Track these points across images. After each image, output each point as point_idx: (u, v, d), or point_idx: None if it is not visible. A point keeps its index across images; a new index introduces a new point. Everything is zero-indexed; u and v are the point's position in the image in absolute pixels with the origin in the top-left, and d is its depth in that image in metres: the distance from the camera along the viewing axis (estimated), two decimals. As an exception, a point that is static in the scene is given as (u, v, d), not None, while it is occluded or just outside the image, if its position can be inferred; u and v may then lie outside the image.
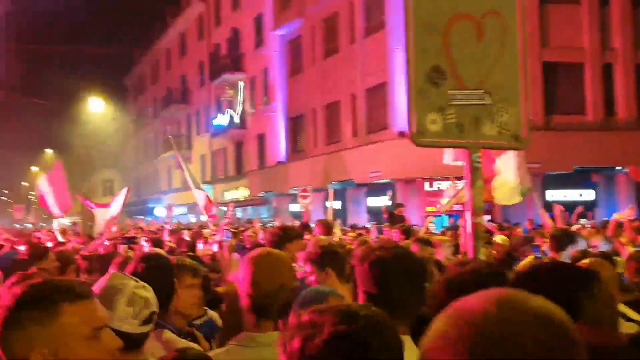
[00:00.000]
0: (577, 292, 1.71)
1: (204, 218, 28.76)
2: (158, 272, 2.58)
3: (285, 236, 4.14)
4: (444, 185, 18.82)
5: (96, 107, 44.33)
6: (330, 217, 10.80)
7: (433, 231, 12.09)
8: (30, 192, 76.55)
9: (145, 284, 2.17)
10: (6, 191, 75.82)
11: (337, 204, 21.94)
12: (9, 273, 3.68)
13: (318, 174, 22.39)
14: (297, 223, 17.92)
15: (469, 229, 2.76)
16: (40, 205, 15.28)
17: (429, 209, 18.70)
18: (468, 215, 2.75)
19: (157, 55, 47.02)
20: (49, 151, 58.84)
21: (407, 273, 2.09)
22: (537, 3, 18.18)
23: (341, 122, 22.98)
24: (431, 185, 18.54)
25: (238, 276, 2.38)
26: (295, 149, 26.77)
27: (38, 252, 4.85)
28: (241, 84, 31.42)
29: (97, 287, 1.99)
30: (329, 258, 2.99)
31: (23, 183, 74.04)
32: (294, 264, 2.74)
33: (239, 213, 32.28)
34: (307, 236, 8.94)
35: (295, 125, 26.89)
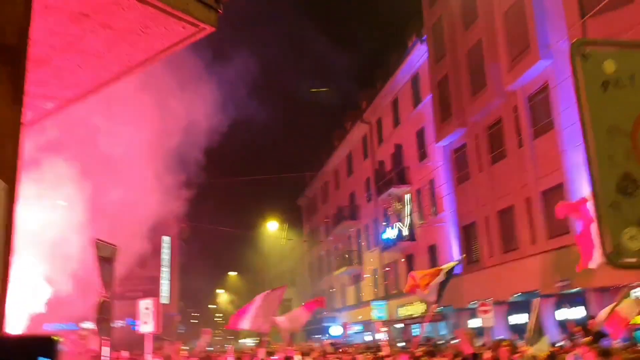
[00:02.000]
0: None
1: (380, 336, 28.11)
2: None
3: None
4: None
5: (273, 230, 47.22)
6: (530, 332, 10.07)
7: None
8: (217, 315, 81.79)
9: None
10: (197, 314, 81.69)
11: (523, 318, 20.16)
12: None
13: (497, 285, 21.01)
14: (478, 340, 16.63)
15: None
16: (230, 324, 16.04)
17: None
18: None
19: (327, 176, 49.55)
20: (232, 274, 63.08)
21: None
22: None
23: (517, 229, 21.62)
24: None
25: None
26: (470, 260, 25.58)
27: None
28: (408, 196, 31.53)
29: None
30: None
31: (210, 306, 79.42)
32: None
33: (415, 331, 31.10)
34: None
35: (467, 235, 25.92)
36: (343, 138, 43.94)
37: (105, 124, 14.68)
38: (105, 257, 7.49)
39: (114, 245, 7.82)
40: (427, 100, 28.79)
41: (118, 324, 31.37)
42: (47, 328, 27.53)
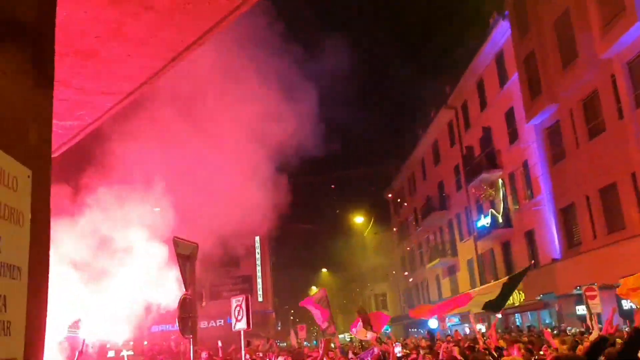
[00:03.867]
0: None
1: (480, 327, 27.18)
2: None
3: None
4: None
5: (362, 225, 46.97)
6: None
7: None
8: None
9: None
10: (293, 311, 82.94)
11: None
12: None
13: (602, 268, 19.53)
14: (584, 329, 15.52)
15: None
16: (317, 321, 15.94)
17: None
18: None
19: (413, 167, 48.56)
20: (324, 270, 63.51)
21: None
22: None
23: (622, 207, 19.98)
24: None
25: None
26: (571, 243, 23.99)
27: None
28: (500, 181, 30.13)
29: None
30: None
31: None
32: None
33: (517, 320, 29.73)
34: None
35: (566, 217, 24.32)
36: (427, 126, 42.83)
37: (202, 128, 14.96)
38: (185, 255, 7.46)
39: (194, 242, 7.78)
40: (514, 78, 27.35)
41: (218, 322, 32.40)
42: (154, 330, 28.81)
